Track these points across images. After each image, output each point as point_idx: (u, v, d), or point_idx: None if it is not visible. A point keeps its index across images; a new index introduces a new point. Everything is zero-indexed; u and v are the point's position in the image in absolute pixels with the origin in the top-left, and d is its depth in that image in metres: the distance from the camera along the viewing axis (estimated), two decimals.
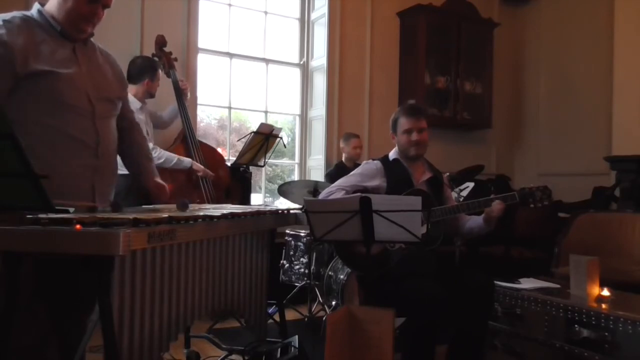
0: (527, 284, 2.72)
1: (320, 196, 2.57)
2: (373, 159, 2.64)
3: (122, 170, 2.07)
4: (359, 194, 2.10)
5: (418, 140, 2.48)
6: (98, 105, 1.82)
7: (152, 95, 3.41)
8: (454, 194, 3.38)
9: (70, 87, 1.74)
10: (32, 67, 1.66)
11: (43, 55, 1.69)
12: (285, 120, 5.05)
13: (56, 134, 1.70)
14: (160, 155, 3.25)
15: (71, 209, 1.47)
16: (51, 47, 1.73)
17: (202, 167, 3.42)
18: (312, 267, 3.63)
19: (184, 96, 3.55)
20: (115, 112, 1.95)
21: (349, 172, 2.67)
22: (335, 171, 4.13)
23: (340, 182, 2.53)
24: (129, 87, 2.86)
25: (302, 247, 3.77)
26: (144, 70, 3.33)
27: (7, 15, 1.70)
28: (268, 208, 2.42)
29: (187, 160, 3.37)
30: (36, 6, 1.78)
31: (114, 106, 1.94)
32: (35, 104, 1.68)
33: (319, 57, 4.84)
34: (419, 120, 2.49)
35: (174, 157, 3.33)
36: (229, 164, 3.94)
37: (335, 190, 2.47)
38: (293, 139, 5.06)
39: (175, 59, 3.65)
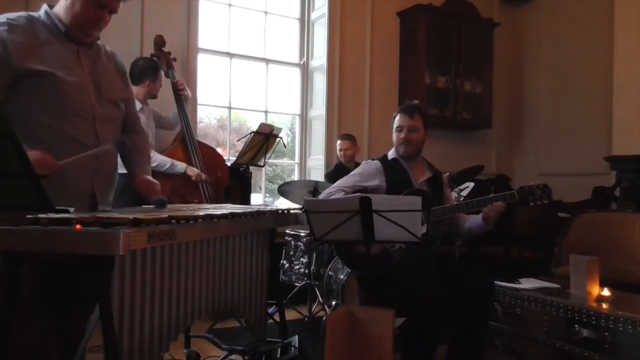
0: (527, 284, 2.73)
1: (320, 197, 2.57)
2: (372, 159, 2.64)
3: (121, 169, 2.07)
4: (359, 194, 2.10)
5: (405, 138, 2.49)
6: (100, 108, 1.82)
7: (154, 97, 3.40)
8: (454, 194, 3.38)
9: (72, 89, 1.74)
10: (30, 66, 1.66)
11: (45, 56, 1.70)
12: (285, 120, 5.05)
13: (56, 135, 1.71)
14: (153, 159, 3.20)
15: (71, 209, 1.47)
16: (55, 48, 1.73)
17: (196, 171, 3.36)
18: (312, 267, 3.63)
19: (184, 97, 3.54)
20: (118, 113, 1.94)
21: (348, 173, 2.67)
22: (335, 172, 4.13)
23: (340, 182, 2.53)
24: None
25: (302, 247, 3.77)
26: (145, 71, 3.32)
27: (13, 15, 1.71)
28: (268, 208, 2.42)
29: (180, 165, 3.32)
30: (44, 7, 1.79)
31: (117, 108, 1.93)
32: (36, 104, 1.68)
33: (319, 57, 4.84)
34: (412, 119, 2.50)
35: (167, 162, 3.28)
36: (229, 164, 3.93)
37: (334, 191, 2.48)
38: (293, 139, 5.06)
39: (174, 59, 3.65)
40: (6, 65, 1.64)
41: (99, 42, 1.91)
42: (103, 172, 1.85)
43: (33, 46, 1.68)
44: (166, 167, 3.28)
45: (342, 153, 4.31)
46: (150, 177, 2.03)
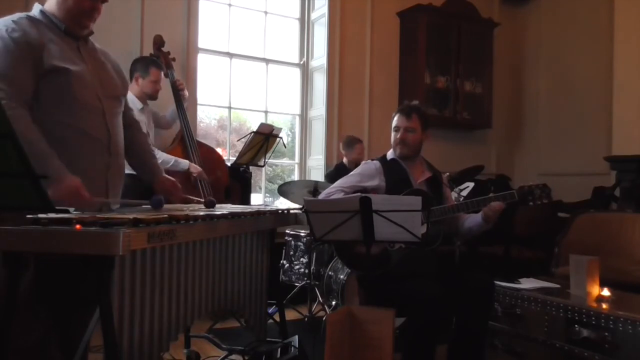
0: (527, 284, 2.73)
1: (320, 197, 2.57)
2: (372, 159, 2.64)
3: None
4: (359, 194, 2.10)
5: (401, 139, 2.50)
6: (106, 103, 1.85)
7: (151, 97, 3.39)
8: (454, 194, 3.38)
9: (82, 85, 1.76)
10: (48, 64, 1.68)
11: (54, 53, 1.71)
12: (285, 120, 5.05)
13: (72, 132, 1.73)
14: (158, 156, 3.21)
15: (71, 209, 1.47)
16: (59, 45, 1.75)
17: (199, 169, 3.39)
18: (312, 267, 3.63)
19: (182, 97, 3.54)
20: (121, 109, 1.98)
21: (348, 173, 2.67)
22: (335, 172, 4.12)
23: (340, 182, 2.53)
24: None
25: (302, 247, 3.77)
26: (136, 67, 3.33)
27: (15, 16, 1.72)
28: (268, 208, 2.42)
29: (184, 162, 3.35)
30: (37, 7, 1.80)
31: (119, 103, 1.97)
32: (51, 102, 1.71)
33: (319, 57, 4.83)
34: (408, 119, 2.50)
35: (171, 159, 3.30)
36: (229, 164, 3.93)
37: (334, 192, 2.48)
38: (293, 139, 5.06)
39: (174, 59, 3.65)
40: (34, 68, 1.66)
41: (90, 39, 1.93)
42: (115, 167, 1.88)
43: (44, 44, 1.70)
44: (170, 164, 3.30)
45: (361, 156, 4.16)
46: (170, 178, 2.14)
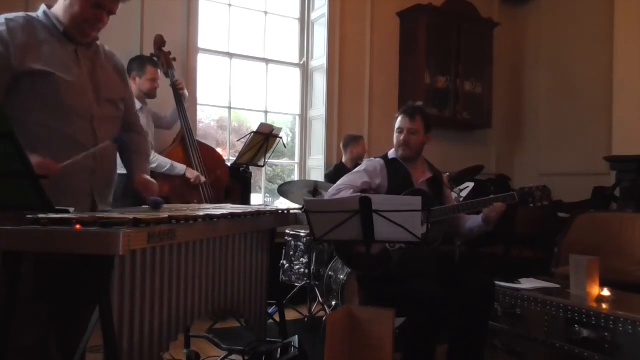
0: (527, 284, 2.73)
1: (327, 194, 2.56)
2: (375, 157, 2.64)
3: (121, 170, 2.06)
4: (358, 194, 2.10)
5: (404, 140, 2.49)
6: (98, 107, 1.82)
7: (149, 95, 3.38)
8: (454, 194, 3.38)
9: (70, 88, 1.74)
10: (29, 66, 1.66)
11: (44, 55, 1.70)
12: (285, 120, 5.05)
13: (55, 135, 1.71)
14: (153, 159, 3.19)
15: (71, 209, 1.46)
16: (53, 48, 1.74)
17: (196, 173, 3.35)
18: (312, 267, 3.63)
19: (182, 96, 3.53)
20: (116, 113, 1.95)
21: (347, 173, 2.66)
22: (335, 172, 4.11)
23: (347, 180, 2.50)
24: None
25: (302, 247, 3.77)
26: (130, 65, 3.33)
27: (12, 15, 1.72)
28: (268, 208, 2.42)
29: (180, 167, 3.32)
30: (42, 7, 1.80)
31: (116, 107, 1.93)
32: (35, 104, 1.69)
33: (319, 57, 4.84)
34: (412, 121, 2.49)
35: (167, 163, 3.28)
36: (229, 164, 3.93)
37: (343, 188, 2.46)
38: (293, 139, 5.06)
39: (174, 59, 3.65)
40: (7, 65, 1.64)
41: (97, 42, 1.92)
42: (101, 172, 1.85)
43: (32, 46, 1.69)
44: (166, 168, 3.28)
45: (363, 152, 4.21)
46: (148, 177, 2.03)
